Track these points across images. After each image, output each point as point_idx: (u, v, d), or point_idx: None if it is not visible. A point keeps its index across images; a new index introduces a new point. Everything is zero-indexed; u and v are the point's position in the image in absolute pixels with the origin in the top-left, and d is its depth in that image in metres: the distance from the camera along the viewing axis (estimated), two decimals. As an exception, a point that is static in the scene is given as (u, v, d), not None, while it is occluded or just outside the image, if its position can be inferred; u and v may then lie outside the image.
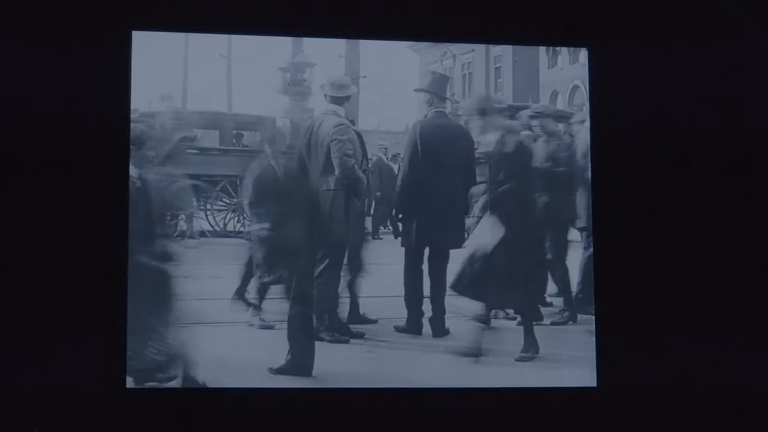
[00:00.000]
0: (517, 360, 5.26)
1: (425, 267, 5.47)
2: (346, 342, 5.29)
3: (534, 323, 5.37)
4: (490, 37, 5.75)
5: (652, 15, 5.38)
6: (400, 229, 5.55)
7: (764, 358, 5.21)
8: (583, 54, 5.56)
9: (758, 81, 5.43)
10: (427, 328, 5.41)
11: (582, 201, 5.47)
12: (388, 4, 5.23)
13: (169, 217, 5.24)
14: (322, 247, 5.27)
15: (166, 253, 5.02)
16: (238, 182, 5.41)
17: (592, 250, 5.35)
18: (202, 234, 5.52)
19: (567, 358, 5.27)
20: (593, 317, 5.26)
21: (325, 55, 5.51)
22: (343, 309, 5.40)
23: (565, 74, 5.87)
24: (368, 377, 5.11)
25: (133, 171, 4.92)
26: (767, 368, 5.19)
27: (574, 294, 5.54)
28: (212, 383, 4.93)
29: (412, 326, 5.42)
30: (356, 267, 5.44)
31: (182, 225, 5.40)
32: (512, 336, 5.34)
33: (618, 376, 5.14)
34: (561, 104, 5.92)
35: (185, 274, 5.07)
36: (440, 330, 5.38)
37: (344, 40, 5.48)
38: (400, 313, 5.45)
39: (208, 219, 5.66)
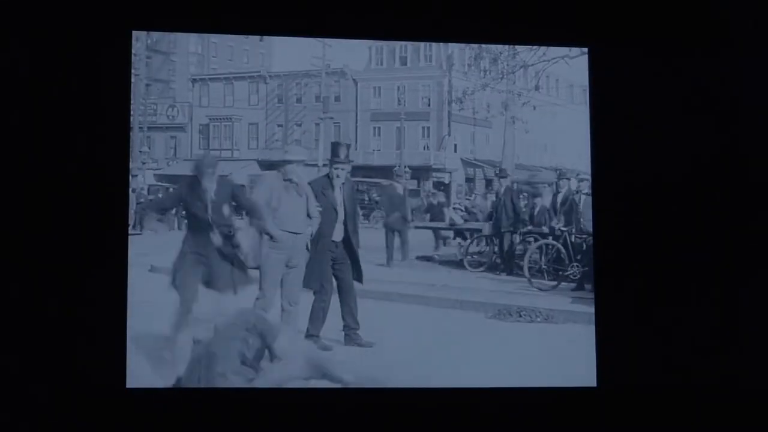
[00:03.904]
0: None
1: None
2: None
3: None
4: (490, 37, 5.75)
5: (652, 15, 5.38)
6: None
7: (764, 358, 5.20)
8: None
9: (758, 81, 5.43)
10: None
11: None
12: (388, 4, 5.23)
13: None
14: None
15: None
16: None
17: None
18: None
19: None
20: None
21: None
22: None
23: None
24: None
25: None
26: (767, 368, 5.19)
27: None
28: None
29: None
30: None
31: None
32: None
33: (618, 376, 5.13)
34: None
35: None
36: None
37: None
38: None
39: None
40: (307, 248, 5.39)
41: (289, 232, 5.35)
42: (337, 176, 5.55)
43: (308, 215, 5.43)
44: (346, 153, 5.63)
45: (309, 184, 5.59)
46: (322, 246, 5.50)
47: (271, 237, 5.28)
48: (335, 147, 5.66)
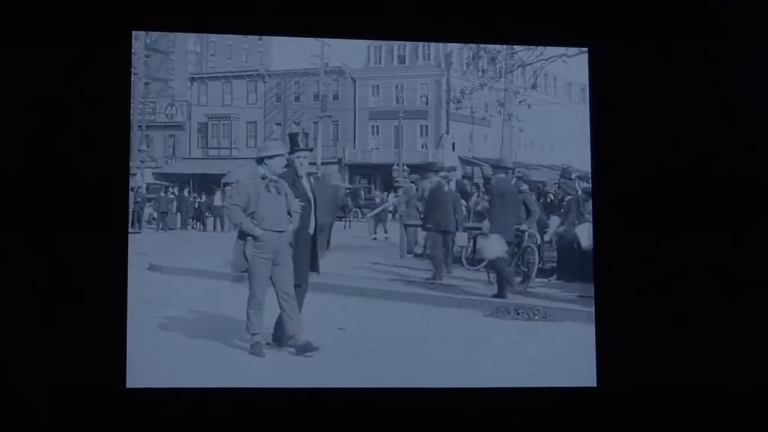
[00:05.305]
0: None
1: None
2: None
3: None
4: (490, 37, 5.75)
5: (652, 15, 5.39)
6: None
7: (763, 357, 5.22)
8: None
9: (758, 81, 5.44)
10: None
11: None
12: (388, 4, 5.23)
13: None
14: None
15: None
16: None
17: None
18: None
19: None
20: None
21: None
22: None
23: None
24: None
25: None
26: (766, 368, 5.21)
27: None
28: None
29: None
30: None
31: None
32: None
33: (618, 376, 5.14)
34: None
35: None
36: None
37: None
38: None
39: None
40: (290, 245, 5.35)
41: (273, 230, 5.30)
42: (301, 165, 5.48)
43: (289, 213, 5.36)
44: (305, 141, 5.58)
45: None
46: (303, 239, 5.44)
47: (255, 237, 5.23)
48: (293, 137, 5.59)
